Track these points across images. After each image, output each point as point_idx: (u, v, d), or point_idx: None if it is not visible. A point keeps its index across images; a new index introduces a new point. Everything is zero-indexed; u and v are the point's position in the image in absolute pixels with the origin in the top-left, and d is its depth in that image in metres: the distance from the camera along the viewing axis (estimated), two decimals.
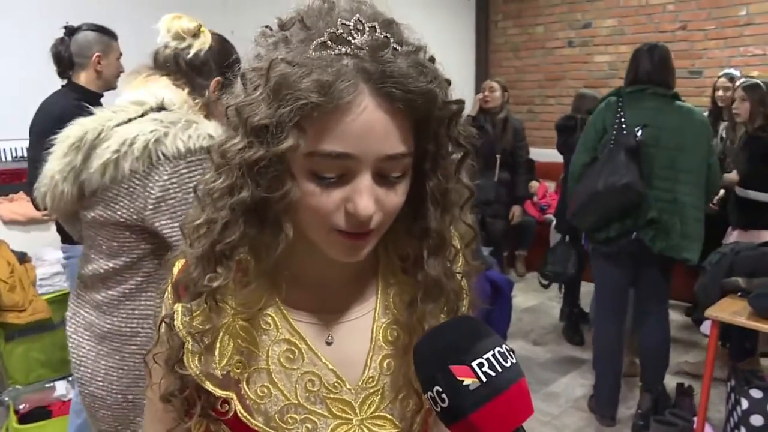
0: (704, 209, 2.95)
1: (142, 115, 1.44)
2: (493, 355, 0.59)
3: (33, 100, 2.70)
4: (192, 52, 1.53)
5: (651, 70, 2.87)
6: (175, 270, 0.77)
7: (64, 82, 2.69)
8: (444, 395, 0.58)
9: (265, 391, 0.72)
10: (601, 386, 3.23)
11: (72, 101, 2.60)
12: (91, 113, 2.52)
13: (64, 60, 2.67)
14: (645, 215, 2.83)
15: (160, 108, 1.46)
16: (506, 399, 0.58)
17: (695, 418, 2.86)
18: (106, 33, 2.67)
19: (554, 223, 4.94)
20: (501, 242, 4.77)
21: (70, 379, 3.22)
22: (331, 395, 0.74)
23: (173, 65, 1.53)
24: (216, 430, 0.75)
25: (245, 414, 0.72)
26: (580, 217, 3.02)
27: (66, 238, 2.70)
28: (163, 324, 0.73)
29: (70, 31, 2.65)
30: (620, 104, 2.90)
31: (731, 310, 2.55)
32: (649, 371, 3.17)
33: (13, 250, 3.34)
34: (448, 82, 0.68)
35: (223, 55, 1.56)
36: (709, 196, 2.98)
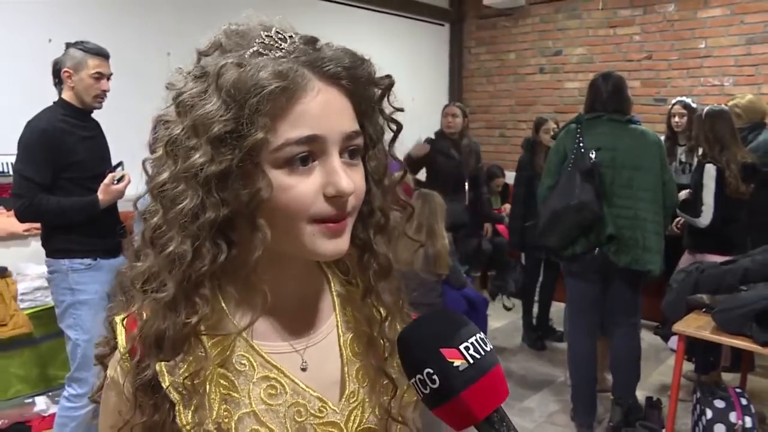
0: (664, 224, 3.14)
1: None
2: (476, 341, 0.64)
3: (14, 118, 2.73)
4: None
5: (605, 98, 3.08)
6: (119, 330, 0.70)
7: (56, 98, 2.73)
8: (435, 376, 0.62)
9: None
10: (578, 396, 3.36)
11: (59, 116, 2.65)
12: (73, 129, 2.60)
13: (55, 75, 2.72)
14: (604, 232, 3.00)
15: None
16: (490, 379, 0.63)
17: (663, 430, 2.99)
18: (85, 50, 2.68)
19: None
20: (474, 260, 4.94)
21: (50, 394, 3.21)
22: (318, 420, 0.73)
23: None
24: None
25: None
26: (545, 236, 3.19)
27: (51, 253, 2.72)
28: (140, 391, 0.66)
29: (67, 47, 2.70)
30: (579, 130, 3.09)
31: (696, 325, 2.69)
32: (620, 383, 3.30)
33: None
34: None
35: None
36: (666, 210, 3.15)
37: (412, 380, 0.65)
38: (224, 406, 0.68)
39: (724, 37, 5.26)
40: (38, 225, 3.07)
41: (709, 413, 2.84)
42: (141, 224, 0.72)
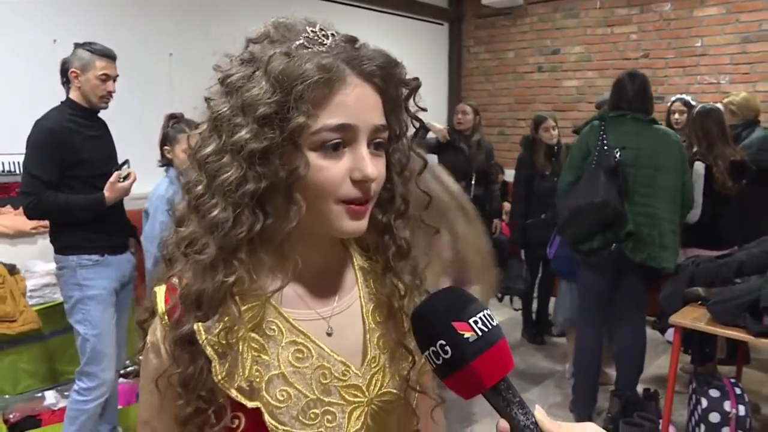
0: (680, 223, 3.20)
1: None
2: (483, 315, 0.69)
3: (20, 118, 2.78)
4: None
5: (632, 97, 3.12)
6: (159, 297, 0.77)
7: (63, 98, 2.78)
8: (447, 347, 0.67)
9: (285, 394, 0.75)
10: (579, 387, 3.42)
11: (66, 115, 2.68)
12: (80, 129, 2.65)
13: (63, 74, 2.76)
14: (623, 229, 3.06)
15: None
16: (497, 350, 0.68)
17: (660, 421, 3.05)
18: (92, 51, 2.71)
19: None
20: None
21: (58, 388, 3.27)
22: (342, 383, 0.79)
23: None
24: None
25: (273, 422, 0.74)
26: (565, 229, 3.26)
27: (59, 249, 2.77)
28: (177, 346, 0.73)
29: (75, 48, 2.75)
30: (603, 128, 3.14)
31: (692, 317, 2.75)
32: (623, 375, 3.36)
33: (2, 262, 3.38)
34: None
35: None
36: (684, 210, 3.22)
37: (426, 353, 0.70)
38: (255, 367, 0.75)
39: (720, 35, 5.32)
40: (46, 223, 3.12)
41: (704, 402, 2.91)
42: (178, 196, 0.79)
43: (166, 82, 4.40)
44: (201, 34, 4.60)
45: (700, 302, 2.83)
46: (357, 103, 0.72)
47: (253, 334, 0.75)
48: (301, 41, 0.72)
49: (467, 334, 0.67)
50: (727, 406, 2.85)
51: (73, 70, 2.68)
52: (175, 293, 0.75)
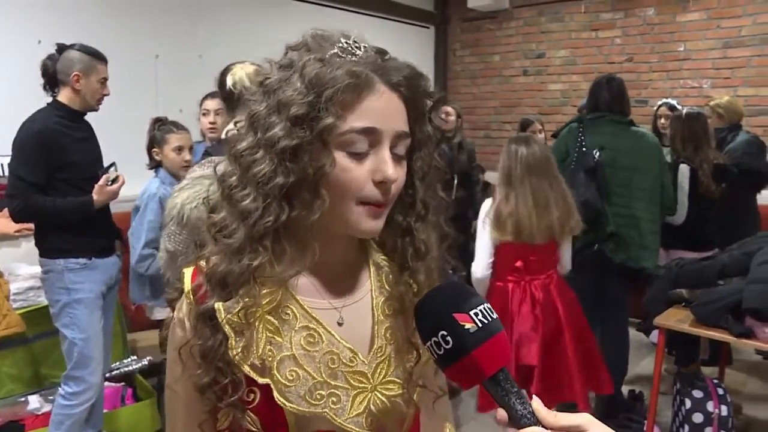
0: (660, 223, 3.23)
1: None
2: (483, 308, 0.72)
3: (2, 118, 2.74)
4: None
5: (609, 100, 3.18)
6: (187, 278, 0.84)
7: (49, 99, 2.74)
8: (448, 338, 0.71)
9: (294, 374, 0.80)
10: None
11: (53, 118, 2.66)
12: (67, 131, 2.62)
13: (48, 75, 2.70)
14: (604, 229, 3.08)
15: None
16: (496, 341, 0.71)
17: (645, 422, 3.08)
18: (91, 54, 2.71)
19: None
20: (459, 256, 5.03)
21: (42, 392, 3.23)
22: (349, 369, 0.84)
23: None
24: (241, 418, 0.81)
25: (282, 399, 0.80)
26: None
27: (45, 252, 2.74)
28: (199, 320, 0.80)
29: (60, 48, 2.70)
30: (581, 130, 3.18)
31: (676, 319, 2.78)
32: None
33: None
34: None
35: None
36: (664, 211, 3.26)
37: (428, 343, 0.73)
38: (269, 347, 0.81)
39: (702, 40, 5.40)
40: (30, 225, 3.09)
41: (688, 403, 2.94)
42: (214, 184, 0.86)
43: (152, 84, 4.36)
44: (188, 36, 4.57)
45: (683, 304, 2.87)
46: (383, 109, 0.78)
47: (269, 317, 0.81)
48: (335, 51, 0.78)
49: (468, 325, 0.71)
50: (710, 406, 2.89)
51: (76, 73, 2.66)
52: (202, 274, 0.81)
